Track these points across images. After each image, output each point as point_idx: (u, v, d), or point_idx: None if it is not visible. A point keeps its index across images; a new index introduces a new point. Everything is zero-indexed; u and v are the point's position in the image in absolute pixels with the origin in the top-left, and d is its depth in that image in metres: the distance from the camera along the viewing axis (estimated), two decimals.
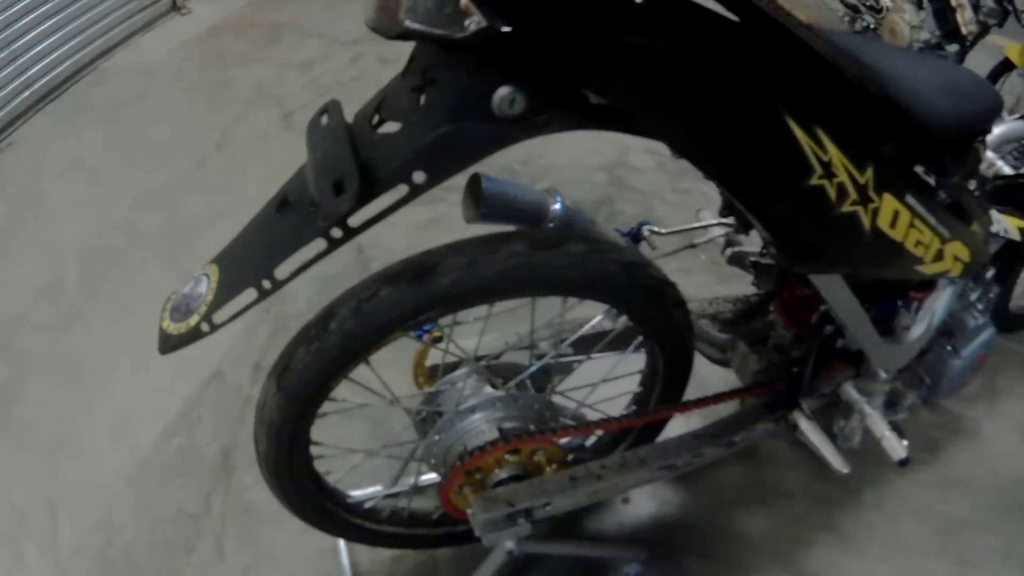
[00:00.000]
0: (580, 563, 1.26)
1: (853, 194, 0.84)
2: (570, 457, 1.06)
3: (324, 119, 0.77)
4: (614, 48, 0.66)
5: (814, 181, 0.81)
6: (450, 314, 0.90)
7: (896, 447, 1.13)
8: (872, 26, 2.98)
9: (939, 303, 1.24)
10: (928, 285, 1.24)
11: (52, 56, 2.64)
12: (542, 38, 0.64)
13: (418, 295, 0.84)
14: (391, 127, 0.72)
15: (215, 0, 3.39)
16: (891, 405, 1.37)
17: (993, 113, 1.05)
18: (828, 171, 0.81)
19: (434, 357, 1.09)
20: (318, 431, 0.99)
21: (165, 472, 1.49)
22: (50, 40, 2.61)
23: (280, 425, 0.94)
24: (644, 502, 1.37)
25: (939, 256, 1.06)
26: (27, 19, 2.50)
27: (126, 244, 2.06)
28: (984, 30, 2.59)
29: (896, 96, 0.84)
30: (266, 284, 0.73)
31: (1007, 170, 1.38)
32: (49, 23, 2.59)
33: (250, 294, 0.73)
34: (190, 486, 1.46)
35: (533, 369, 1.02)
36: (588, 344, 1.09)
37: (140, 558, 1.38)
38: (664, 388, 1.09)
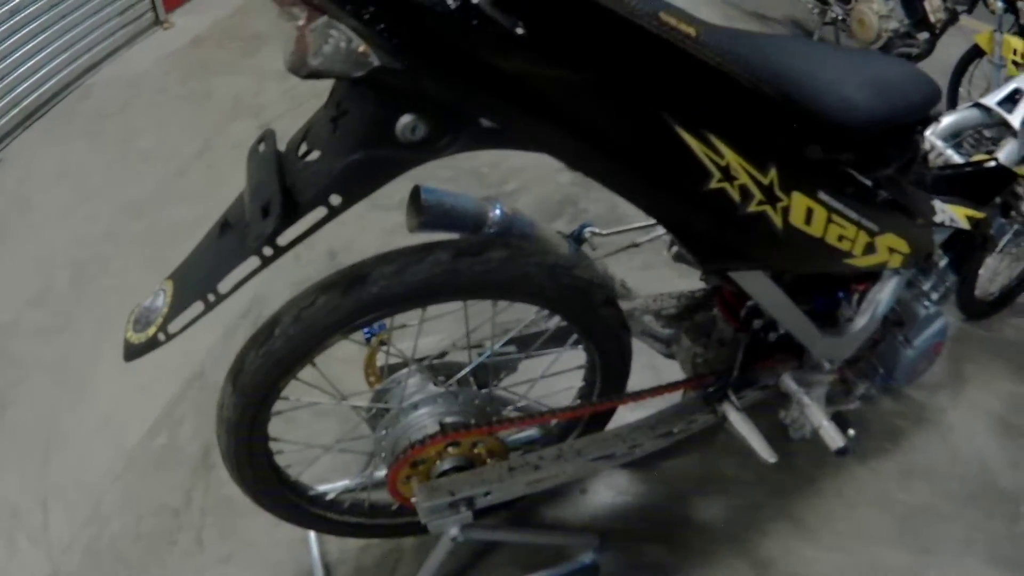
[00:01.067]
0: (537, 551, 1.31)
1: (758, 195, 0.88)
2: (517, 449, 1.12)
3: (261, 147, 0.84)
4: (499, 77, 0.72)
5: (713, 185, 0.84)
6: (384, 318, 0.96)
7: (834, 437, 1.15)
8: (841, 17, 2.97)
9: (883, 294, 1.26)
10: (871, 276, 1.26)
11: (39, 74, 2.72)
12: (432, 72, 0.70)
13: (351, 302, 0.91)
14: (315, 154, 0.79)
15: (197, 12, 3.46)
16: (843, 394, 1.40)
17: (927, 104, 1.06)
18: (727, 174, 0.84)
19: (385, 357, 1.15)
20: (290, 428, 1.06)
21: (149, 468, 1.57)
22: (37, 58, 2.70)
23: (237, 423, 1.01)
24: (602, 491, 1.41)
25: (870, 249, 1.09)
26: (13, 39, 2.59)
27: (112, 252, 2.13)
28: (953, 17, 2.57)
29: (799, 96, 0.86)
30: (211, 297, 0.81)
31: (957, 159, 1.38)
32: (35, 42, 2.67)
33: (198, 306, 0.81)
34: (172, 482, 1.54)
35: (470, 368, 1.07)
36: (530, 342, 1.14)
37: (127, 550, 1.45)
38: (604, 382, 1.13)
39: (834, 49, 1.13)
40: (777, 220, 0.92)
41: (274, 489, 1.13)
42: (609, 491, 1.41)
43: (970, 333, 1.91)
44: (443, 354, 1.11)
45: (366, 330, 1.08)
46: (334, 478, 1.30)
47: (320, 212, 0.76)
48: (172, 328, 0.82)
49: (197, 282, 0.82)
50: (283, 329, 0.93)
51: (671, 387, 1.14)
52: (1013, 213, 1.60)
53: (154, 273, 0.95)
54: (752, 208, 0.88)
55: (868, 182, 1.04)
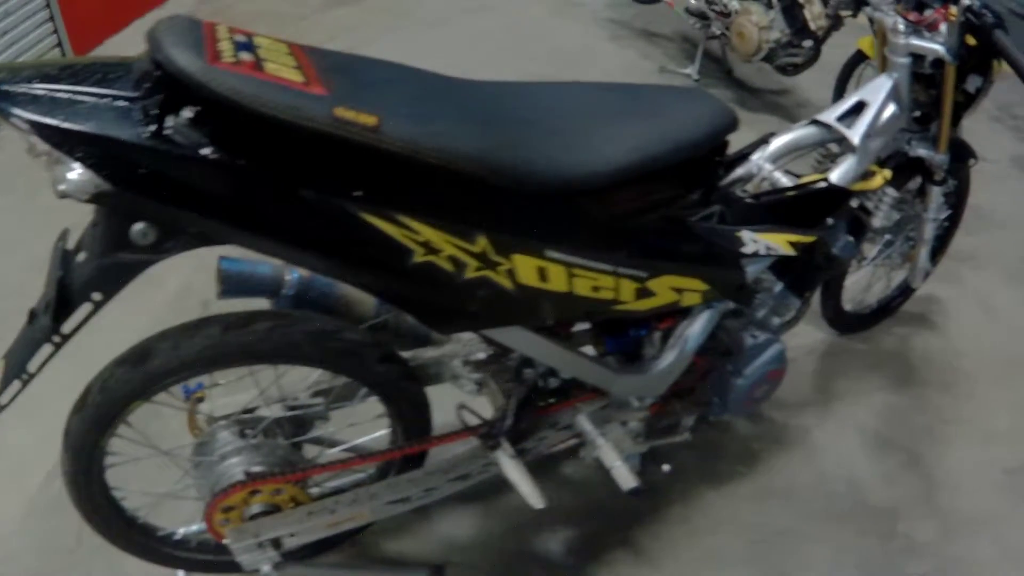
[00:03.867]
0: None
1: (473, 262, 0.92)
2: (313, 491, 1.20)
3: (59, 244, 0.95)
4: (195, 192, 0.81)
5: (419, 260, 0.89)
6: (174, 384, 1.07)
7: (626, 478, 1.19)
8: (721, 32, 2.95)
9: (692, 330, 1.28)
10: (678, 313, 1.29)
11: None
12: (138, 193, 0.79)
13: (140, 375, 1.04)
14: (82, 255, 0.91)
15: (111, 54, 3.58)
16: (670, 428, 1.44)
17: (698, 143, 1.07)
18: (430, 249, 0.89)
19: (209, 410, 1.25)
20: (142, 475, 1.19)
21: (49, 511, 1.68)
22: None
23: (74, 477, 1.15)
24: (444, 523, 1.45)
25: (644, 294, 1.12)
26: None
27: (19, 307, 2.25)
28: (837, 22, 2.54)
29: (501, 166, 0.88)
30: (24, 376, 0.93)
31: (785, 182, 1.35)
32: None
33: (16, 384, 0.94)
34: (68, 523, 1.64)
35: (265, 424, 1.16)
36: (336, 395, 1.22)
37: None
38: (405, 427, 1.20)
39: (591, 95, 1.12)
40: (504, 282, 0.96)
41: (125, 532, 1.25)
42: (450, 523, 1.45)
43: (845, 347, 1.91)
44: (252, 409, 1.20)
45: (184, 388, 1.19)
46: (176, 517, 1.41)
47: (88, 306, 0.88)
48: (2, 400, 0.95)
49: (14, 363, 0.95)
50: (92, 398, 1.06)
51: (464, 432, 1.20)
52: (868, 229, 1.61)
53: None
54: (471, 274, 0.93)
55: (629, 228, 1.07)
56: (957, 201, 1.90)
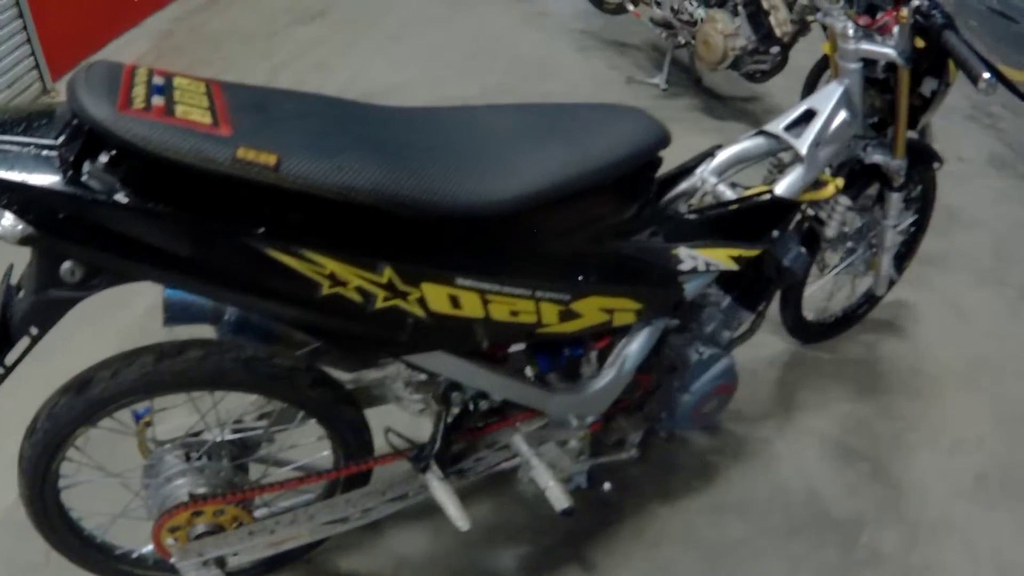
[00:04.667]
0: None
1: (381, 292, 0.94)
2: (261, 511, 1.24)
3: (4, 280, 0.99)
4: (108, 233, 0.84)
5: (327, 292, 0.91)
6: (116, 411, 1.12)
7: (558, 498, 1.20)
8: (685, 41, 2.93)
9: (631, 348, 1.29)
10: (616, 332, 1.29)
11: None
12: (58, 236, 0.83)
13: (82, 402, 1.08)
14: (22, 292, 0.95)
15: None
16: (617, 444, 1.45)
17: (617, 164, 1.06)
18: (336, 281, 0.91)
19: (158, 434, 1.29)
20: (110, 494, 1.24)
21: (20, 530, 1.72)
22: None
23: (30, 499, 1.19)
24: (394, 541, 1.47)
25: (569, 315, 1.12)
26: None
27: None
28: (803, 27, 2.51)
29: (400, 199, 0.89)
30: None
31: (729, 195, 1.33)
32: None
33: None
34: (36, 542, 1.70)
35: (207, 447, 1.19)
36: (275, 417, 1.25)
37: None
38: (345, 449, 1.23)
39: (511, 118, 1.10)
40: (416, 311, 0.97)
41: (82, 551, 1.30)
42: (402, 540, 1.47)
43: (809, 357, 1.90)
44: (197, 433, 1.24)
45: (134, 413, 1.23)
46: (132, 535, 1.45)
47: (26, 340, 0.92)
48: None
49: None
50: (41, 424, 1.10)
51: (395, 455, 1.21)
52: (822, 240, 1.59)
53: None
54: (381, 304, 0.95)
55: (549, 251, 1.07)
56: (923, 205, 1.87)
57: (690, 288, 1.29)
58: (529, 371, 1.27)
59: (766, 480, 1.63)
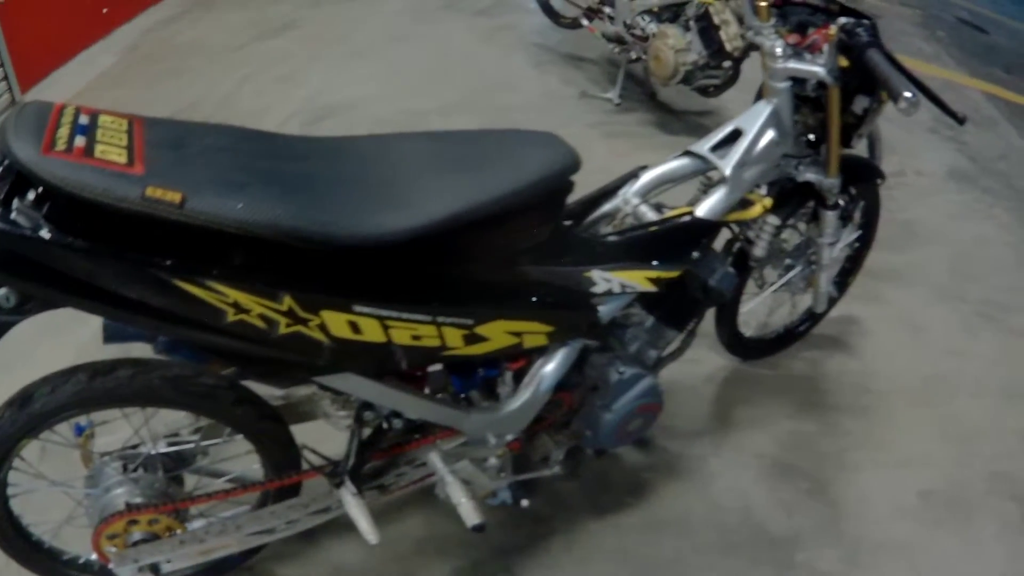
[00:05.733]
0: None
1: (283, 319, 1.01)
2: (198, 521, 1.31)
3: None
4: (32, 267, 0.93)
5: (232, 319, 0.98)
6: (55, 425, 1.20)
7: (469, 514, 1.25)
8: (637, 57, 2.96)
9: (547, 368, 1.33)
10: (533, 352, 1.31)
11: None
12: None
13: (24, 416, 1.16)
14: None
15: (56, 87, 3.37)
16: (541, 461, 1.50)
17: (522, 192, 1.09)
18: (240, 309, 0.98)
19: (99, 446, 1.38)
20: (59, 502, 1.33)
21: None
22: None
23: None
24: (331, 550, 1.52)
25: (475, 339, 1.17)
26: None
27: None
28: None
29: (298, 231, 0.95)
30: None
31: (651, 216, 1.37)
32: None
33: None
34: None
35: (142, 460, 1.27)
36: (206, 431, 1.33)
37: None
38: (272, 462, 1.30)
39: (419, 147, 1.16)
40: (318, 336, 1.04)
41: (32, 556, 1.38)
42: (340, 549, 1.51)
43: (750, 373, 1.92)
44: (135, 445, 1.32)
45: (76, 426, 1.32)
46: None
47: None
48: None
49: None
50: None
51: (312, 471, 1.27)
52: (751, 259, 1.61)
53: None
54: (284, 330, 1.01)
55: (449, 277, 1.12)
56: (867, 221, 1.88)
57: (605, 310, 1.34)
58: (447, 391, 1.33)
59: (701, 497, 1.66)
